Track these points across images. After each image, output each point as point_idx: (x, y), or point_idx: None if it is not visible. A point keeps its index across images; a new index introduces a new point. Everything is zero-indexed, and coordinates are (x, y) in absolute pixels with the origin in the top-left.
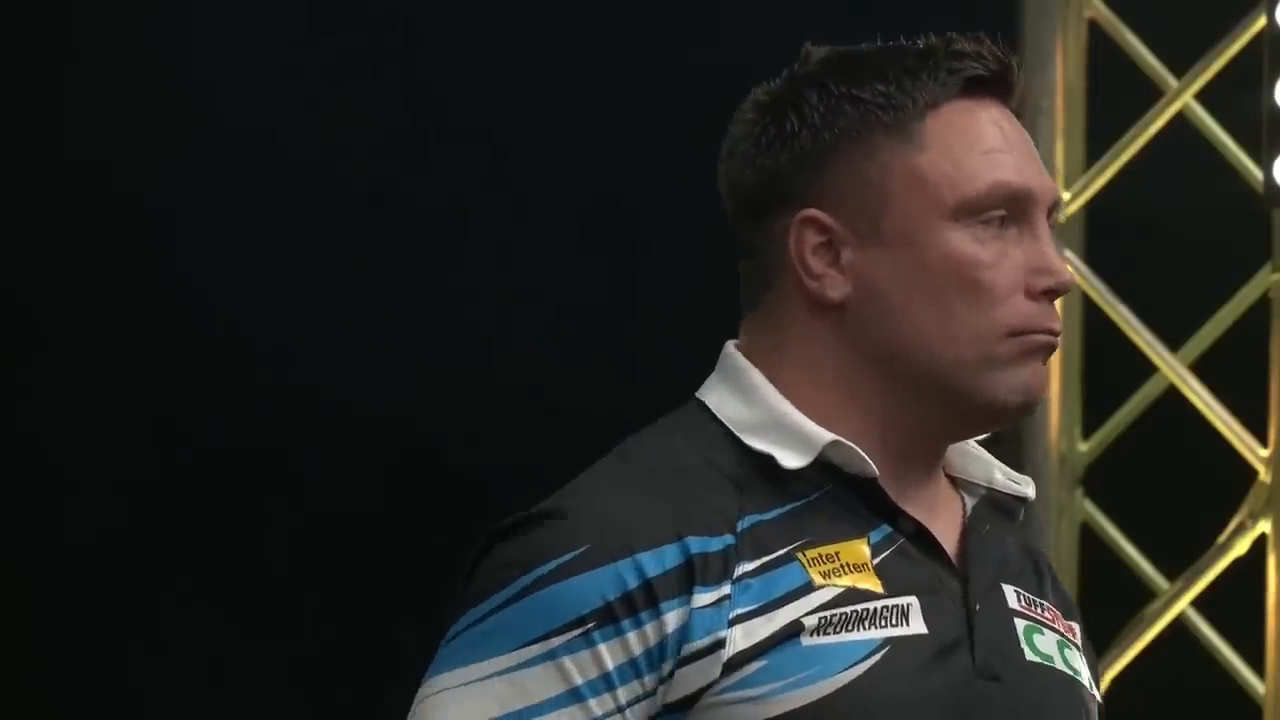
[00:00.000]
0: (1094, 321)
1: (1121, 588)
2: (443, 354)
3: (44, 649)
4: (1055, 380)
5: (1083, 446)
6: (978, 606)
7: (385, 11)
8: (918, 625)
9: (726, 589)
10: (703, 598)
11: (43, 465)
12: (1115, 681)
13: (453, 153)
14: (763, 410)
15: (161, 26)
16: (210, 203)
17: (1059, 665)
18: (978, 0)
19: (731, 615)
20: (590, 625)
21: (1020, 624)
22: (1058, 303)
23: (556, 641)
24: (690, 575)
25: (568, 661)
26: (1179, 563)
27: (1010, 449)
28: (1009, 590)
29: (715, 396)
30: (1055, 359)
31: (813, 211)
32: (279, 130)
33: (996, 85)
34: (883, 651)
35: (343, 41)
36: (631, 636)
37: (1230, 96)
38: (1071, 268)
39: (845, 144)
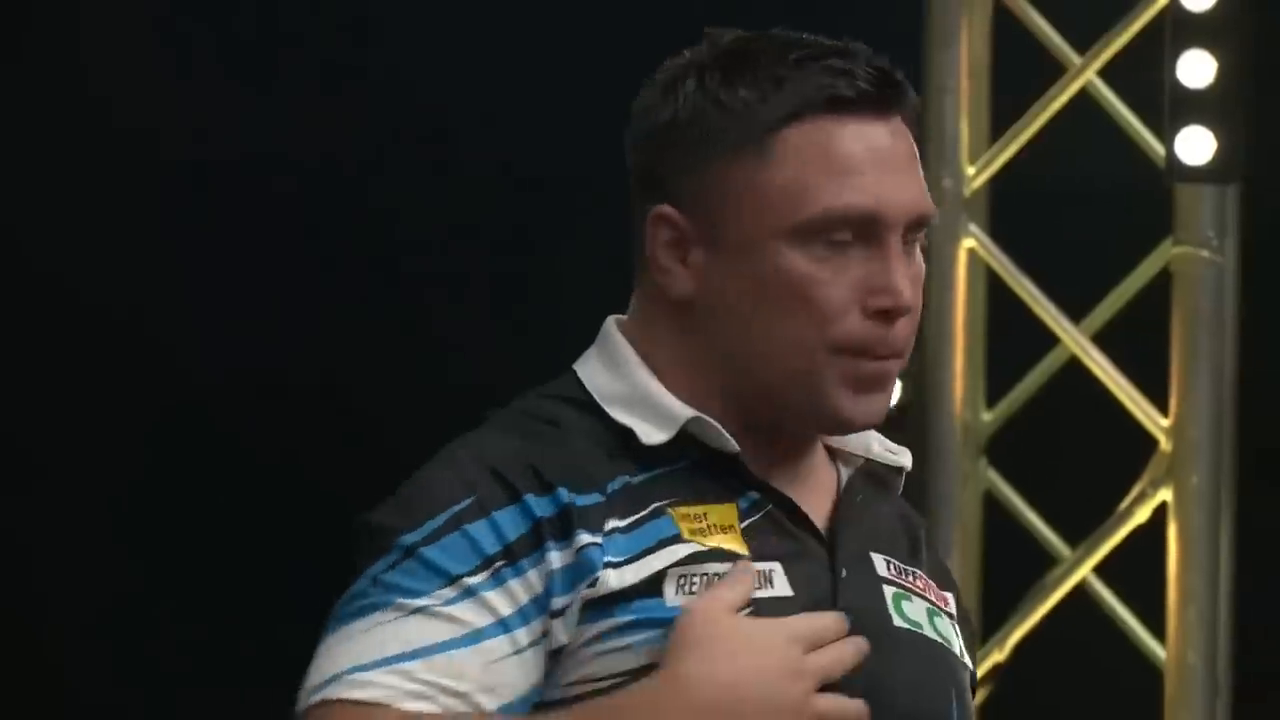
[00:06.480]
0: (997, 294)
1: (1024, 555)
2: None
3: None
4: (959, 351)
5: (986, 416)
6: (844, 573)
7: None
8: (783, 588)
9: (599, 538)
10: (579, 540)
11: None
12: (1019, 646)
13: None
14: (629, 384)
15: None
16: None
17: (928, 632)
18: None
19: (604, 560)
20: (499, 564)
21: (889, 590)
22: (960, 275)
23: (474, 580)
24: (569, 521)
25: (490, 596)
26: (1081, 530)
27: (914, 418)
28: (879, 559)
29: (587, 368)
30: (959, 329)
31: (666, 209)
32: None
33: (868, 103)
34: (747, 611)
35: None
36: (531, 575)
37: (1132, 74)
38: (976, 241)
39: (703, 147)
